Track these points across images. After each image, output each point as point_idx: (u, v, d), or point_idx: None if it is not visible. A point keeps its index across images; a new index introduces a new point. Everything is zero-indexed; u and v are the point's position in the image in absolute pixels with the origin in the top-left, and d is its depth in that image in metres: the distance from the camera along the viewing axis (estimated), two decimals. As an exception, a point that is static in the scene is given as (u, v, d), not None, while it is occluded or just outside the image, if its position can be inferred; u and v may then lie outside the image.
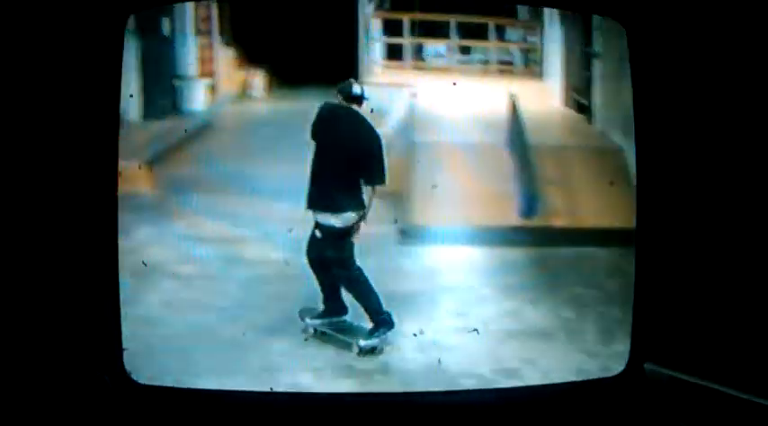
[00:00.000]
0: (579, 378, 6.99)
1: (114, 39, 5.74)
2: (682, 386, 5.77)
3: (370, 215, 7.84)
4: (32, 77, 5.53)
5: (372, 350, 7.54)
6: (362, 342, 7.55)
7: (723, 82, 5.79)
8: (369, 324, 7.68)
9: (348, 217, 7.59)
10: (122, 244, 8.68)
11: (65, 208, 5.55)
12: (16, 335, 5.49)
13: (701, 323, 5.85)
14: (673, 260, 5.94)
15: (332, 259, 7.68)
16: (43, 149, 5.55)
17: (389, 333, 7.63)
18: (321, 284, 7.79)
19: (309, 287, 7.96)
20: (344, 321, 7.84)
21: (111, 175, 5.70)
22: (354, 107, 7.63)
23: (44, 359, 5.51)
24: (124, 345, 5.88)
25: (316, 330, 7.78)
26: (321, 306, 7.86)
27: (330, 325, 7.79)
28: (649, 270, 6.03)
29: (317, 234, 7.65)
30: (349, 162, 7.62)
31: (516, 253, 8.88)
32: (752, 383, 5.57)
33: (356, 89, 7.63)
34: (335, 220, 7.59)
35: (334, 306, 7.82)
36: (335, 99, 7.70)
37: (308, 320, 7.82)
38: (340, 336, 7.72)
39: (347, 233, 7.58)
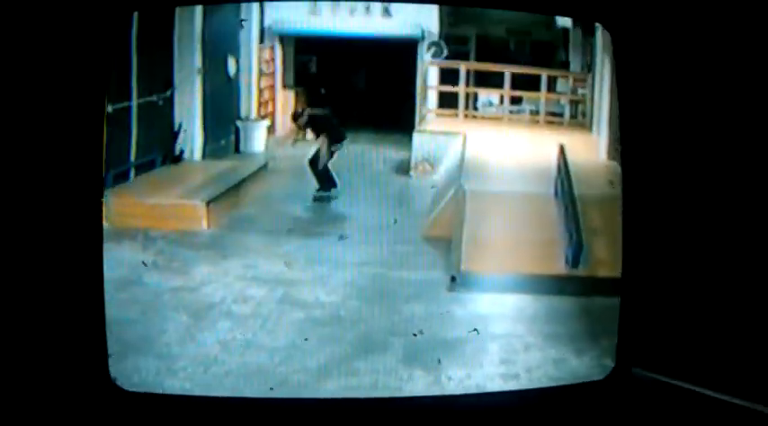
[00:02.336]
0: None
1: (118, 38, 5.67)
2: (667, 389, 5.76)
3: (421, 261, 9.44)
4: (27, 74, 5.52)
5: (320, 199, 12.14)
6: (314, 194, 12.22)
7: (709, 87, 5.77)
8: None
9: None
10: (181, 282, 8.97)
11: (50, 214, 5.48)
12: (5, 343, 5.49)
13: (686, 328, 5.82)
14: (658, 265, 5.90)
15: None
16: (31, 148, 5.50)
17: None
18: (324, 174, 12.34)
19: (360, 332, 8.09)
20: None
21: (96, 178, 5.61)
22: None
23: (32, 366, 5.49)
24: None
25: (315, 198, 12.06)
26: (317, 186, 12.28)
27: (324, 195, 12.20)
28: (635, 277, 6.01)
29: (328, 152, 12.40)
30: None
31: (563, 302, 8.84)
32: (737, 386, 5.55)
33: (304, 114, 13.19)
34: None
35: (329, 185, 12.24)
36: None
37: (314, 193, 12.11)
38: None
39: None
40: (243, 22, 13.60)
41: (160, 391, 6.78)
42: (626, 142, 6.07)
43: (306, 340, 8.03)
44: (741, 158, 5.79)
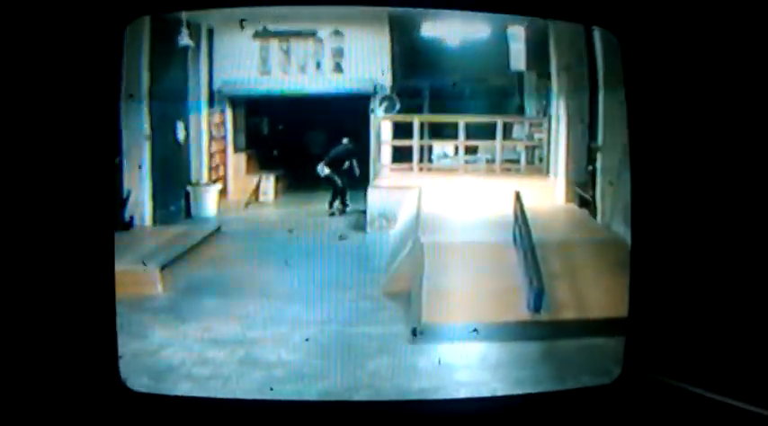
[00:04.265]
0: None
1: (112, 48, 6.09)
2: (673, 392, 5.95)
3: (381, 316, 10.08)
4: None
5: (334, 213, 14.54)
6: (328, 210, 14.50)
7: (716, 92, 6.02)
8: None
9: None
10: (139, 346, 9.17)
11: (63, 219, 5.82)
12: (15, 345, 5.74)
13: (693, 332, 6.02)
14: (666, 269, 6.17)
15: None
16: (43, 155, 5.85)
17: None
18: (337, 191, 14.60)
19: (323, 388, 8.28)
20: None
21: (108, 182, 5.95)
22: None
23: (45, 368, 5.74)
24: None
25: (333, 213, 14.37)
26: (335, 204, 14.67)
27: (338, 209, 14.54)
28: (643, 280, 6.25)
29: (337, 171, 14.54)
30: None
31: (526, 347, 9.15)
32: (743, 390, 5.78)
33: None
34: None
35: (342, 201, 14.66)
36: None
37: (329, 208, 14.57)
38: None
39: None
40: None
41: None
42: (634, 145, 6.31)
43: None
44: (741, 158, 6.09)
